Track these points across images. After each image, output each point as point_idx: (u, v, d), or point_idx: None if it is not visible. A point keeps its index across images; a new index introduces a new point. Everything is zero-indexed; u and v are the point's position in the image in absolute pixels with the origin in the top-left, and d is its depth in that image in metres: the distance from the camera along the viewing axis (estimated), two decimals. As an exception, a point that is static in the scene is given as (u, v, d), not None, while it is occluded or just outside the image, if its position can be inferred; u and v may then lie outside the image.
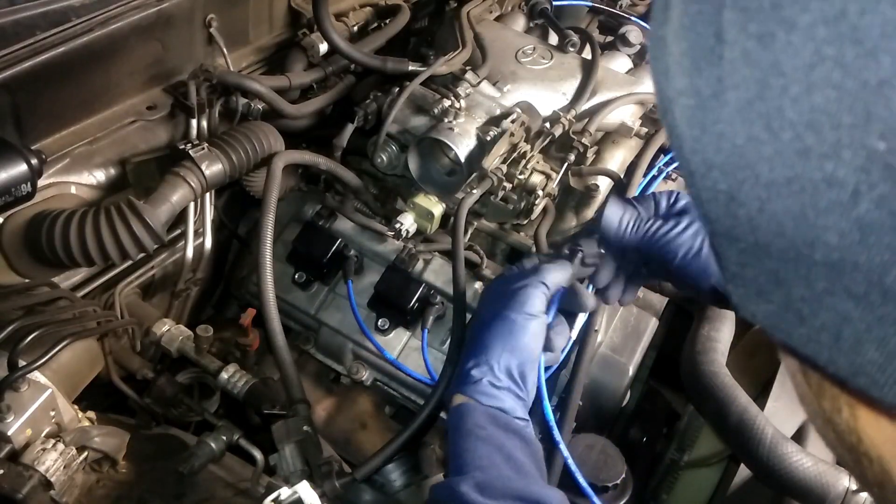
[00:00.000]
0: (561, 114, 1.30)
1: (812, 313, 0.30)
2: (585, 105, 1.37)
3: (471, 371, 0.89)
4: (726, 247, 0.32)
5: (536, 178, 1.24)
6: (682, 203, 0.98)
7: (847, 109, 0.25)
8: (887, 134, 0.25)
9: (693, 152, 0.31)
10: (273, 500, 0.90)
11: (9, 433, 0.85)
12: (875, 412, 0.34)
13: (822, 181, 0.27)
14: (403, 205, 1.31)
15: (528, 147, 1.24)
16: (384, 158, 1.31)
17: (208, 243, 1.28)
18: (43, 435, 0.90)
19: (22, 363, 0.87)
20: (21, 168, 0.93)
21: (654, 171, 1.44)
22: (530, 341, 0.90)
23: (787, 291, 0.30)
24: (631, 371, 1.25)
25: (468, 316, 1.22)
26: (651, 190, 1.41)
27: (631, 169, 1.36)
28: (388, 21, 1.51)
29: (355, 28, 1.48)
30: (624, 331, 1.28)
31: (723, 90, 0.29)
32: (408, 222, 1.26)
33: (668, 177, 1.49)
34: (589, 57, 1.47)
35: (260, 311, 1.07)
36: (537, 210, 1.27)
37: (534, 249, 1.30)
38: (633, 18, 1.73)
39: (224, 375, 1.07)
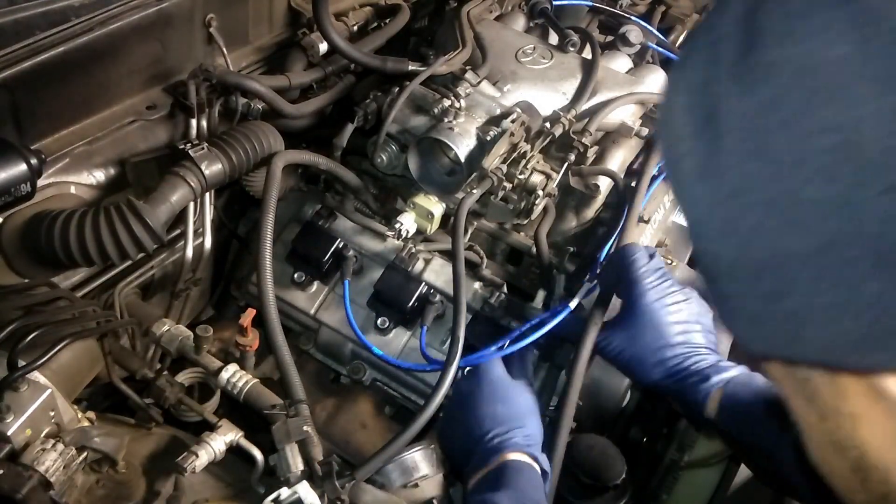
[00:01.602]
0: (561, 113, 1.30)
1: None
2: (585, 105, 1.37)
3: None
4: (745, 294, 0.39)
5: (536, 178, 1.24)
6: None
7: None
8: None
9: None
10: (273, 500, 0.90)
11: (8, 433, 0.85)
12: (874, 412, 0.36)
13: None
14: (403, 205, 1.31)
15: (528, 147, 1.24)
16: (384, 158, 1.31)
17: (208, 243, 1.27)
18: (42, 435, 0.89)
19: (21, 363, 0.87)
20: (20, 168, 0.93)
21: (654, 171, 1.44)
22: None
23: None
24: (631, 371, 1.25)
25: (469, 317, 1.22)
26: (652, 189, 1.41)
27: (637, 175, 1.36)
28: (387, 21, 1.51)
29: (355, 28, 1.48)
30: (624, 331, 1.27)
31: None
32: (408, 222, 1.26)
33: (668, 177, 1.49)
34: (589, 57, 1.47)
35: (260, 311, 1.06)
36: (537, 210, 1.27)
37: (534, 250, 1.30)
38: (633, 18, 1.72)
39: (224, 375, 1.06)
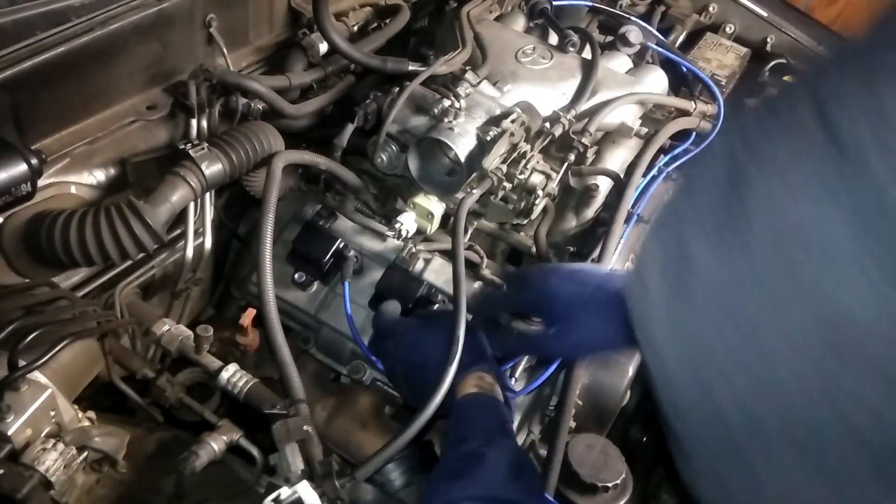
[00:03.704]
0: (561, 114, 1.30)
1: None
2: (585, 105, 1.37)
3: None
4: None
5: (536, 178, 1.24)
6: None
7: None
8: None
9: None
10: (273, 500, 0.90)
11: (9, 433, 0.85)
12: None
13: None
14: (403, 205, 1.31)
15: (528, 147, 1.24)
16: (384, 158, 1.31)
17: (208, 243, 1.27)
18: (43, 435, 0.89)
19: (22, 363, 0.87)
20: (21, 168, 0.93)
21: (654, 171, 1.44)
22: None
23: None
24: (631, 371, 1.25)
25: (469, 316, 1.22)
26: (651, 189, 1.41)
27: (630, 168, 1.36)
28: (388, 21, 1.51)
29: (355, 28, 1.48)
30: (624, 331, 1.28)
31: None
32: (408, 222, 1.26)
33: (668, 177, 1.49)
34: (589, 57, 1.47)
35: (260, 311, 1.07)
36: (537, 210, 1.27)
37: (534, 250, 1.30)
38: (633, 18, 1.73)
39: (224, 375, 1.06)
